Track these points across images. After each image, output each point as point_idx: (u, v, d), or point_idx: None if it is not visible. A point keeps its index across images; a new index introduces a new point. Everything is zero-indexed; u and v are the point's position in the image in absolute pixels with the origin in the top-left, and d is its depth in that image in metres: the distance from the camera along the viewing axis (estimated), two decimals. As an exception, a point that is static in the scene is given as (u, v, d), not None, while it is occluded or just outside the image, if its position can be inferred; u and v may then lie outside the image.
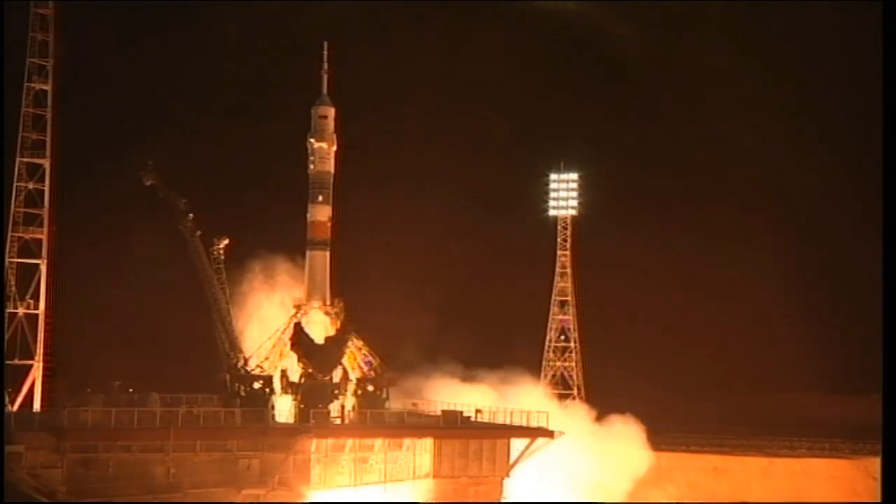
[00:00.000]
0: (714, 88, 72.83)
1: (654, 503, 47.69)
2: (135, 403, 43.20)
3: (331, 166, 50.65)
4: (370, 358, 48.44)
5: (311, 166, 50.53)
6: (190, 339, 52.68)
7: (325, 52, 50.86)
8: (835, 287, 74.41)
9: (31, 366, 51.02)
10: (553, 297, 68.27)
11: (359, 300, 51.58)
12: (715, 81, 73.24)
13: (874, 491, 45.85)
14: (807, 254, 75.00)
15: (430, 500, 43.72)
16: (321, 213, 50.31)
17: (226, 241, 48.30)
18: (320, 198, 50.26)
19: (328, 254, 50.56)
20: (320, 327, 49.48)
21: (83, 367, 54.07)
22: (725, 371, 75.11)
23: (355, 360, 48.41)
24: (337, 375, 47.21)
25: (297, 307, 49.86)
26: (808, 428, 64.20)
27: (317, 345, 47.53)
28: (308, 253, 50.63)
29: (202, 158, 61.33)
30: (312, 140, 50.37)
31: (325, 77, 50.87)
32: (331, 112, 50.93)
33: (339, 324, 49.13)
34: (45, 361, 51.19)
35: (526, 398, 50.68)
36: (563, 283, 69.20)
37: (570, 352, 67.56)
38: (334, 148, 50.74)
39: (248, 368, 46.73)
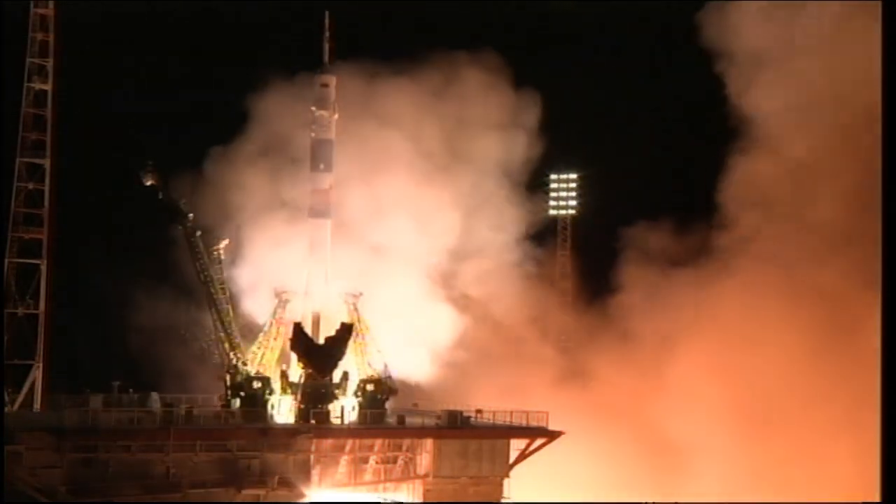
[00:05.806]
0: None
1: (645, 503, 47.65)
2: (135, 403, 43.29)
3: (332, 134, 50.18)
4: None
5: (313, 134, 50.30)
6: (190, 339, 52.65)
7: (327, 21, 50.25)
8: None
9: (31, 366, 51.07)
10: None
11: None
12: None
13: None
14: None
15: (430, 501, 43.75)
16: (323, 181, 50.01)
17: (226, 242, 48.26)
18: (322, 165, 50.04)
19: (329, 223, 50.30)
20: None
21: (83, 367, 54.13)
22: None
23: (360, 357, 48.26)
24: (337, 375, 47.24)
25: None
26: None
27: (317, 345, 47.54)
28: (309, 222, 50.18)
29: (202, 158, 61.17)
30: (314, 108, 50.09)
31: (327, 46, 50.40)
32: (332, 80, 50.50)
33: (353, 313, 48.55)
34: (45, 361, 51.23)
35: None
36: (564, 283, 69.29)
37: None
38: (336, 116, 50.39)
39: (248, 368, 46.72)
